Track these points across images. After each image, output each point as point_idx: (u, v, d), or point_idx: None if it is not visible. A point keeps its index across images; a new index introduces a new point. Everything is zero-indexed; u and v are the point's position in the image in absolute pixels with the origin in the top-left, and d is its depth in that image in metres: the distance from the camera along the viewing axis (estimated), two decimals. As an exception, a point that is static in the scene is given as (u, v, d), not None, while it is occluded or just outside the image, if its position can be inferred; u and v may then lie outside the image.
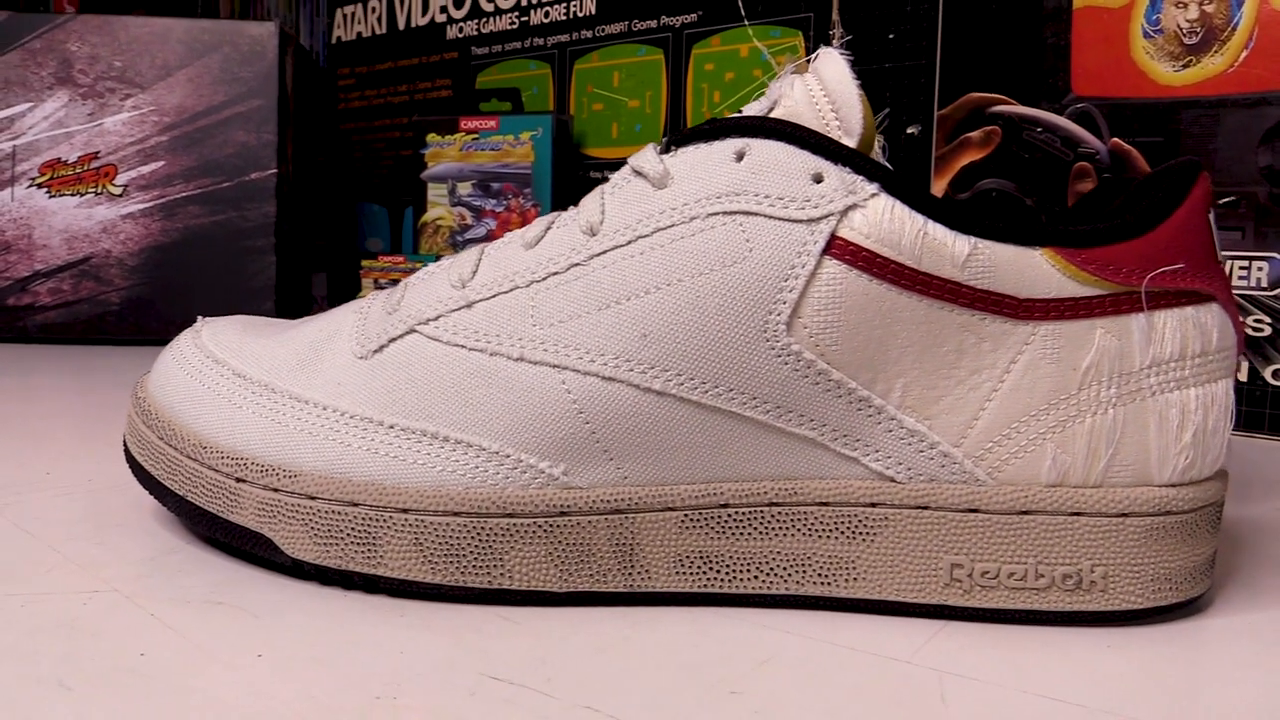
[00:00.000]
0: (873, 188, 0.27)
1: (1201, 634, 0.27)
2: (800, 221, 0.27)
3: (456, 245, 0.78)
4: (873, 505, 0.28)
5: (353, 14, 0.96)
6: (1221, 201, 0.51)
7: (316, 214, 0.90)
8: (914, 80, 0.61)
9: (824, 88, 0.28)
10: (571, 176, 0.79)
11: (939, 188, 0.60)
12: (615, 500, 0.28)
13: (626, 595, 0.28)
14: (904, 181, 0.27)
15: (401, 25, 0.92)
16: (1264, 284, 0.50)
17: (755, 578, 0.28)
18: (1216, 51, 0.51)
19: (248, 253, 0.73)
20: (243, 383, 0.31)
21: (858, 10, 0.63)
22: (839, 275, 0.26)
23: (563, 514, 0.28)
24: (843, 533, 0.28)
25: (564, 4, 0.79)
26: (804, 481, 0.28)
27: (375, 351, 0.30)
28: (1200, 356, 0.27)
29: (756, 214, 0.27)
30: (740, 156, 0.28)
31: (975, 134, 0.59)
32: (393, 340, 0.30)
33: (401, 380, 0.29)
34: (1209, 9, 0.51)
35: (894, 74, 0.61)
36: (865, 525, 0.28)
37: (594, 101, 0.78)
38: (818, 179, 0.27)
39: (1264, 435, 0.51)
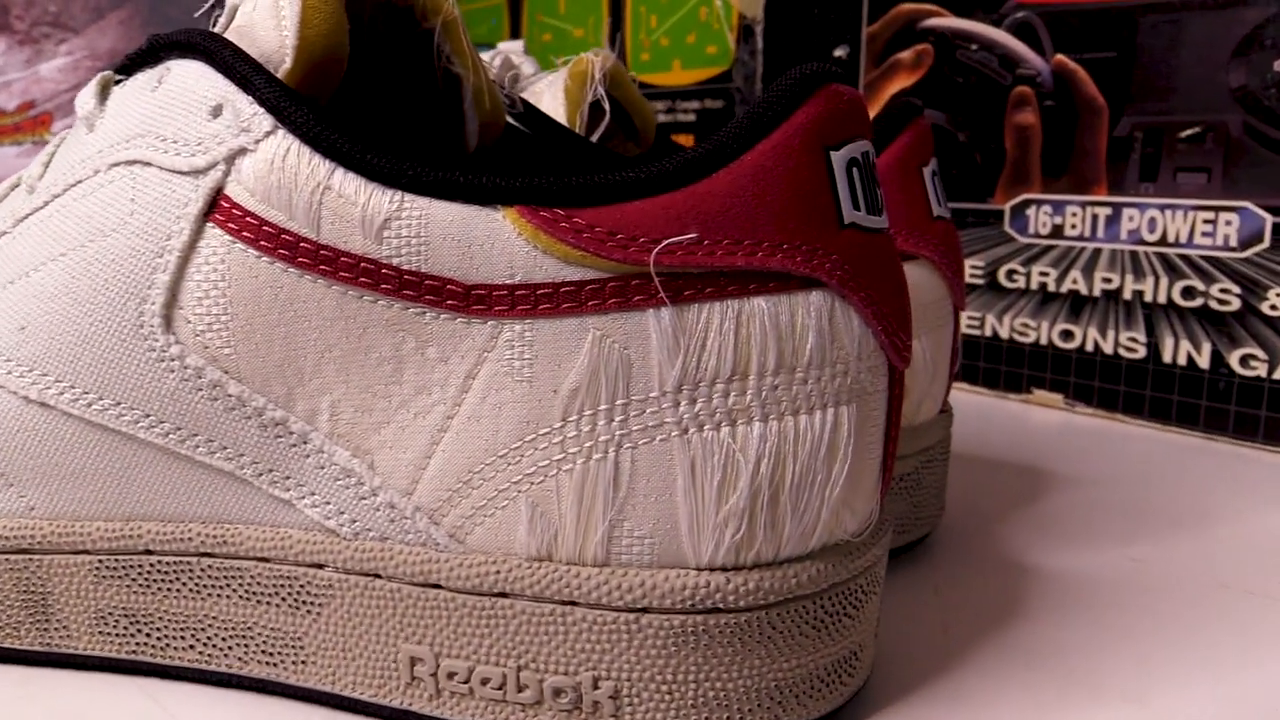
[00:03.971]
0: (268, 122, 0.18)
1: (767, 787, 0.18)
2: (185, 173, 0.19)
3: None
4: (317, 566, 0.20)
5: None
6: (1184, 134, 0.38)
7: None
8: (842, -10, 0.50)
9: (292, -17, 0.20)
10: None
11: (866, 122, 0.49)
12: (18, 537, 0.21)
13: (56, 657, 0.22)
14: (320, 111, 0.18)
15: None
16: (1232, 242, 0.37)
17: (191, 648, 0.21)
18: (1183, -70, 0.38)
19: (183, 202, 0.71)
20: None
21: (791, -93, 0.52)
22: (221, 249, 0.19)
23: (-43, 552, 0.22)
24: (285, 599, 0.20)
25: (516, -78, 0.71)
26: (236, 527, 0.20)
27: None
28: (779, 375, 0.18)
29: (150, 163, 0.20)
30: (160, 83, 0.20)
31: (905, 54, 0.47)
32: None
33: None
34: (1179, -127, 0.38)
35: (821, -17, 0.50)
36: (310, 592, 0.20)
37: (543, 32, 0.70)
38: (216, 112, 0.19)
39: (1228, 438, 0.38)
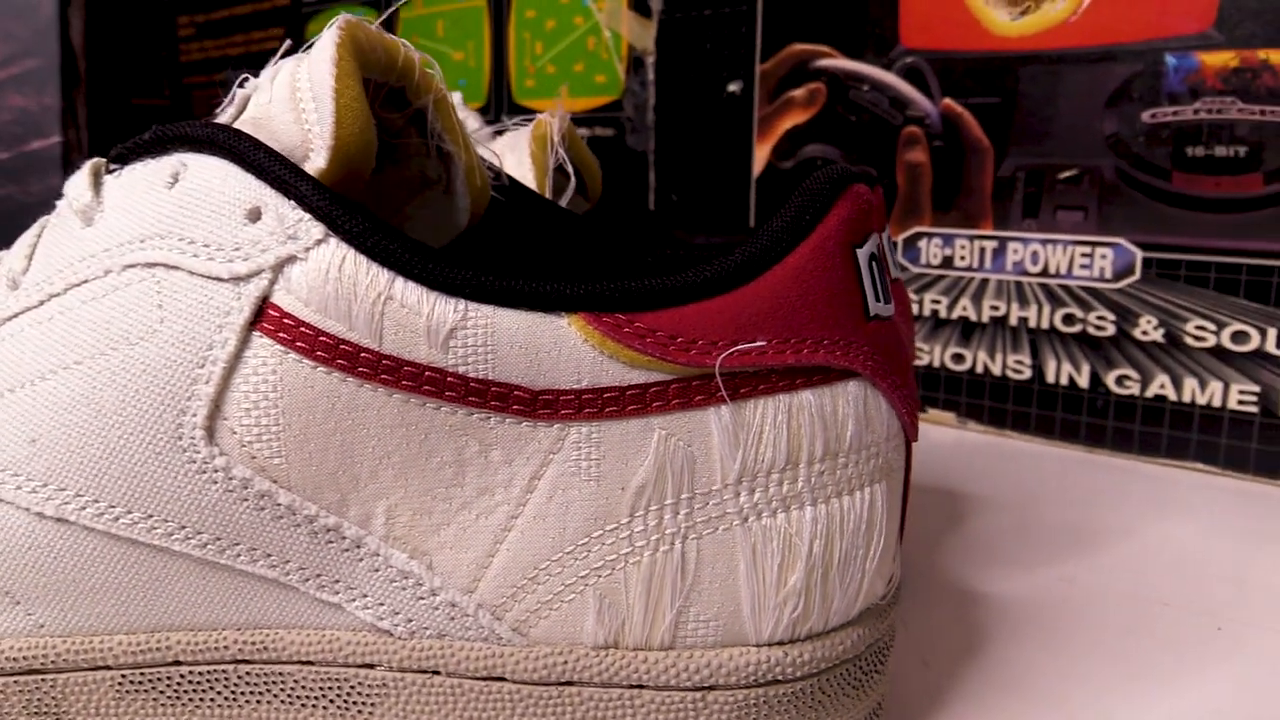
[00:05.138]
0: (318, 230, 0.18)
1: (823, 840, 0.20)
2: (224, 280, 0.19)
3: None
4: (368, 666, 0.20)
5: (183, -47, 0.86)
6: (1062, 176, 0.42)
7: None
8: (734, 30, 0.52)
9: (311, 78, 0.20)
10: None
11: (762, 155, 0.52)
12: (28, 657, 0.20)
13: (62, 779, 0.21)
14: (370, 220, 0.18)
15: (232, -34, 0.82)
16: (1107, 275, 0.42)
17: (226, 759, 0.21)
18: (1058, -6, 0.41)
19: (28, 231, 0.65)
20: None
21: (681, -55, 0.53)
22: (271, 360, 0.18)
23: (-49, 679, 0.20)
24: (333, 702, 0.20)
25: (386, -60, 0.69)
26: (277, 632, 0.20)
27: None
28: (825, 461, 0.19)
29: (177, 267, 0.19)
30: (175, 180, 0.20)
31: (799, 92, 0.50)
32: None
33: None
34: (1052, -60, 0.41)
35: (713, 22, 0.52)
36: (361, 693, 0.20)
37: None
38: (254, 216, 0.19)
39: (1106, 451, 0.43)
